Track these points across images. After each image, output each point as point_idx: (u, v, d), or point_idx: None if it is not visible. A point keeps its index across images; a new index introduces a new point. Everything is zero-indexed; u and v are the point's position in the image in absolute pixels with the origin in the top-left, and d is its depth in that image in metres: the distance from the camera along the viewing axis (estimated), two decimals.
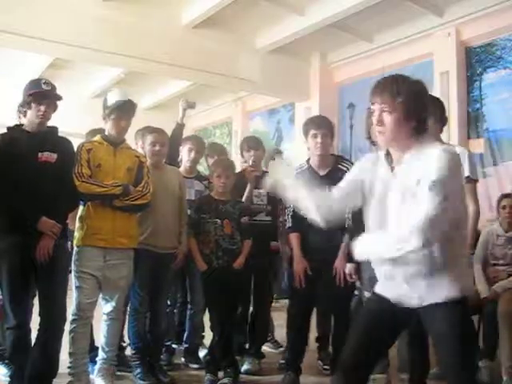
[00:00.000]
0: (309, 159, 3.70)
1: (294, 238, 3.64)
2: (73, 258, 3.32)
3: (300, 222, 3.61)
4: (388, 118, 2.07)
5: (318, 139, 3.54)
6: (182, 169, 4.21)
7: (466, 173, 2.96)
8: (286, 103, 10.21)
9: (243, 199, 3.94)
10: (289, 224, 3.69)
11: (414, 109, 2.07)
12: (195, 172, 4.29)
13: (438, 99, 3.30)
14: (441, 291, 2.07)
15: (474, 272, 4.07)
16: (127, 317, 3.72)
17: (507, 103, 7.01)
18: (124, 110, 3.38)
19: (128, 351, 3.93)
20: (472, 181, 3.00)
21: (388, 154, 2.19)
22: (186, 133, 4.56)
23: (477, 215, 3.00)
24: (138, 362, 3.64)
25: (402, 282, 2.13)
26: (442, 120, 3.15)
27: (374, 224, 2.19)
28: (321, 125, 3.62)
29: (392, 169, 2.16)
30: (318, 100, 9.12)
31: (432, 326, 2.14)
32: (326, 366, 3.96)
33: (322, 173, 3.59)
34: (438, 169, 1.95)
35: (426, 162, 2.00)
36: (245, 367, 3.95)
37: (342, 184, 2.35)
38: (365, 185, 2.25)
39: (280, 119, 10.51)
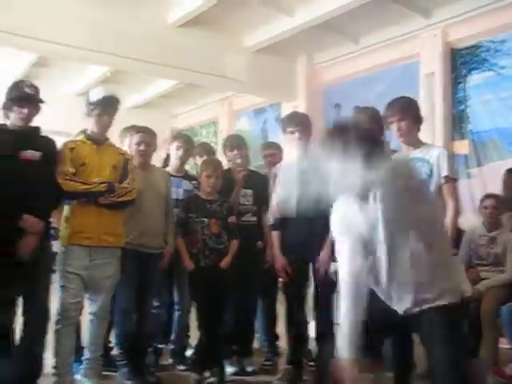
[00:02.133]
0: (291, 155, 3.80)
1: (275, 236, 3.66)
2: (58, 258, 3.29)
3: (282, 220, 3.65)
4: None
5: (296, 135, 3.61)
6: (170, 167, 4.19)
7: (445, 172, 3.00)
8: (272, 103, 10.21)
9: (231, 199, 3.93)
10: (271, 222, 3.71)
11: None
12: (183, 171, 4.27)
13: (411, 100, 3.35)
14: (430, 299, 2.09)
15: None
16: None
17: (491, 105, 7.07)
18: (106, 105, 3.36)
19: (114, 351, 3.91)
20: (451, 180, 3.04)
21: None
22: (173, 132, 4.54)
23: (456, 213, 3.03)
24: (123, 362, 3.62)
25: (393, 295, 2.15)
26: (418, 119, 3.20)
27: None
28: (298, 122, 3.71)
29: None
30: (304, 100, 9.14)
31: (421, 329, 2.17)
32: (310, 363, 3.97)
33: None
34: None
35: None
36: (249, 368, 3.97)
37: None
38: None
39: (266, 119, 10.51)
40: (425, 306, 2.10)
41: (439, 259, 2.12)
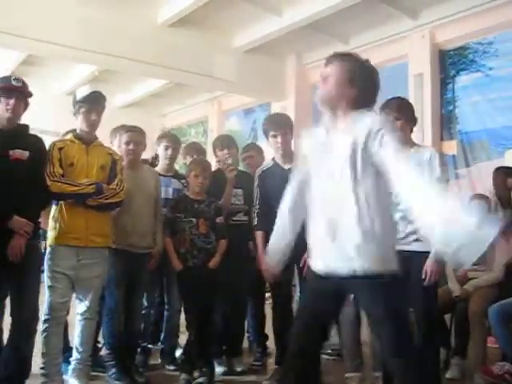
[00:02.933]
0: (274, 157, 3.82)
1: (259, 236, 3.67)
2: (45, 258, 3.28)
3: (266, 221, 3.65)
4: None
5: (278, 139, 3.63)
6: (159, 167, 4.18)
7: (437, 173, 3.01)
8: (261, 103, 10.22)
9: (223, 199, 3.92)
10: (255, 222, 3.72)
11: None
12: (173, 170, 4.26)
13: (408, 101, 3.40)
14: (366, 261, 2.14)
15: (446, 272, 4.14)
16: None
17: (479, 106, 7.13)
18: (93, 102, 3.34)
19: (103, 351, 3.89)
20: (443, 182, 3.06)
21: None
22: (161, 131, 4.53)
23: None
24: (112, 362, 3.61)
25: (337, 243, 2.21)
26: (413, 120, 3.22)
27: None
28: (280, 125, 3.74)
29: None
30: (293, 100, 9.16)
31: (361, 304, 2.31)
32: None
33: (286, 167, 3.65)
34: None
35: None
36: (238, 368, 3.96)
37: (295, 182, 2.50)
38: None
39: (256, 119, 10.52)
40: (359, 268, 2.15)
41: (382, 231, 2.18)
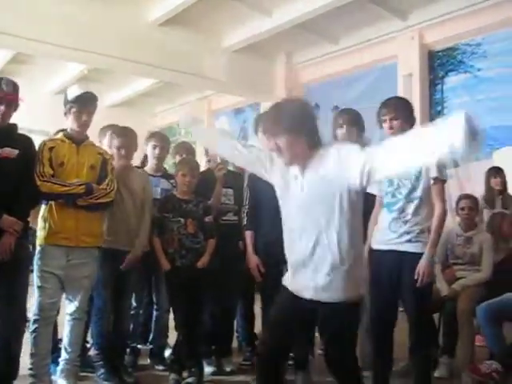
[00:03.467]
0: None
1: (248, 235, 3.67)
2: (35, 258, 3.26)
3: (256, 221, 3.66)
4: None
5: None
6: (148, 167, 4.16)
7: (434, 173, 3.02)
8: (251, 103, 10.23)
9: (212, 198, 3.91)
10: (244, 222, 3.72)
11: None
12: (162, 170, 4.24)
13: (406, 100, 3.38)
14: (336, 291, 2.30)
15: (435, 271, 4.16)
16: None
17: (468, 106, 7.17)
18: (84, 102, 3.32)
19: (91, 351, 3.88)
20: (439, 181, 3.07)
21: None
22: (151, 130, 4.52)
23: (443, 213, 3.06)
24: (101, 363, 3.60)
25: (310, 272, 2.34)
26: (411, 120, 3.21)
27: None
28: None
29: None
30: None
31: (324, 325, 2.41)
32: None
33: None
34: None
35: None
36: (228, 368, 3.95)
37: (256, 149, 2.64)
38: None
39: (246, 119, 10.53)
40: (326, 298, 2.31)
41: (353, 257, 2.32)
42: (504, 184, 5.52)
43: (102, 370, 3.57)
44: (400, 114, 3.13)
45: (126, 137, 3.72)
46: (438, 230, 3.03)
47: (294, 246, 2.41)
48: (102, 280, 3.54)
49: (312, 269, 2.33)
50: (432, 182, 3.03)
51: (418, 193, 3.01)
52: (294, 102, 2.54)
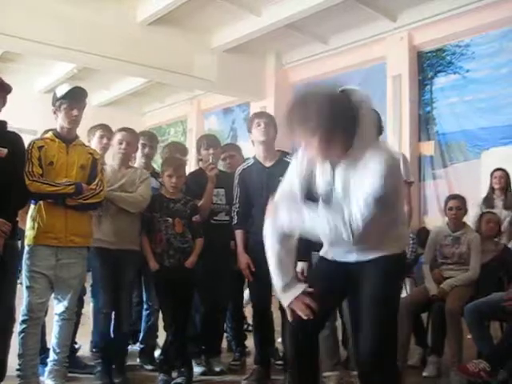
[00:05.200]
0: (255, 155, 3.74)
1: (238, 234, 3.66)
2: (24, 258, 3.23)
3: (246, 219, 3.65)
4: None
5: (262, 126, 3.60)
6: (136, 165, 4.14)
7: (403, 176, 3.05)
8: (241, 103, 10.23)
9: (204, 198, 3.90)
10: (234, 221, 3.71)
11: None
12: (150, 168, 4.22)
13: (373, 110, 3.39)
14: (378, 252, 2.29)
15: (423, 271, 4.19)
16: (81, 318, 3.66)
17: (456, 107, 7.24)
18: (75, 98, 3.30)
19: (80, 352, 3.87)
20: (406, 183, 3.09)
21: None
22: (140, 130, 4.50)
23: (409, 215, 3.09)
24: (98, 361, 3.58)
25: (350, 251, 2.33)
26: (379, 130, 3.22)
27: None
28: (263, 114, 3.83)
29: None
30: (273, 100, 9.18)
31: (368, 280, 2.30)
32: (277, 362, 3.98)
33: (267, 164, 3.63)
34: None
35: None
36: (217, 368, 3.93)
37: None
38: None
39: (235, 119, 10.54)
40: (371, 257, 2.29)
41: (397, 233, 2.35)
42: (507, 184, 5.49)
43: (98, 369, 3.56)
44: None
45: (128, 132, 3.73)
46: None
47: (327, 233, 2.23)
48: (102, 280, 3.54)
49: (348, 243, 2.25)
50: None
51: None
52: (319, 94, 2.16)
